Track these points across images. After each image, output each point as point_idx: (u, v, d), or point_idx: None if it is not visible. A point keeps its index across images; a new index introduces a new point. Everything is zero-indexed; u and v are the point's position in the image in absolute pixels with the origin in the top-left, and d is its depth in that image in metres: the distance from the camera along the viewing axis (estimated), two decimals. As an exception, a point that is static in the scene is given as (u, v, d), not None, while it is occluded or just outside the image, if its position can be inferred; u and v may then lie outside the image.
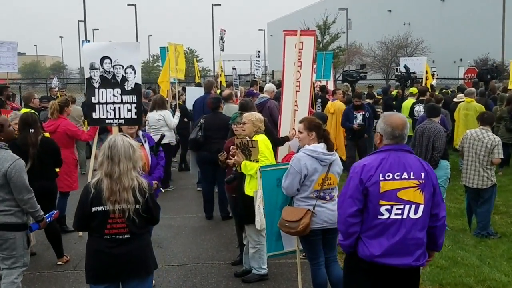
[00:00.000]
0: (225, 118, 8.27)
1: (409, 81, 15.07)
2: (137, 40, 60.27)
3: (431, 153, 8.22)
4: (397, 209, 3.79)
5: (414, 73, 15.62)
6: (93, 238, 4.07)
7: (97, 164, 4.02)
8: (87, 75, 5.18)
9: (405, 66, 15.21)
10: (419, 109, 11.74)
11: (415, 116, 11.67)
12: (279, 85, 10.79)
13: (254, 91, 14.46)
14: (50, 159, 6.60)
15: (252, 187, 5.95)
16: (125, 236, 3.99)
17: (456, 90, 17.29)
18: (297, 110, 7.93)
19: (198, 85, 15.59)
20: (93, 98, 5.21)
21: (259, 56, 16.85)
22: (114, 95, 5.17)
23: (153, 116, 10.67)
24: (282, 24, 74.46)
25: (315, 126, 5.21)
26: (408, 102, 13.29)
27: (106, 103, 5.20)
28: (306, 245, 5.29)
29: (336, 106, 12.19)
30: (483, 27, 46.59)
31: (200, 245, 7.58)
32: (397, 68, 20.72)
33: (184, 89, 15.80)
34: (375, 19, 62.08)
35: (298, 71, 7.87)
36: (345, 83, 15.08)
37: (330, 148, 5.13)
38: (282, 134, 8.04)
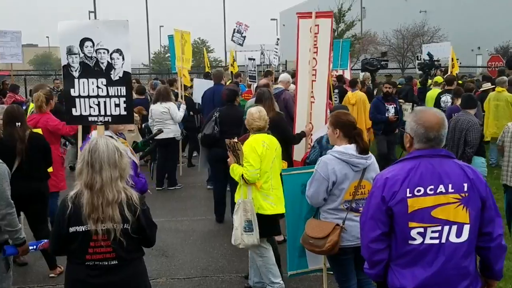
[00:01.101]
0: (241, 112, 7.50)
1: (433, 69, 14.15)
2: (147, 32, 59.69)
3: (463, 148, 7.40)
4: (432, 231, 2.97)
5: (438, 60, 14.69)
6: (72, 265, 3.30)
7: (76, 172, 3.26)
8: (64, 62, 4.24)
9: (429, 54, 14.30)
10: (446, 99, 10.86)
11: (442, 108, 10.77)
12: (294, 75, 9.99)
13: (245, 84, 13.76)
14: (39, 156, 5.89)
15: (239, 195, 5.33)
16: (111, 263, 3.22)
17: (480, 79, 16.34)
18: (313, 102, 7.14)
19: (207, 75, 14.79)
20: (72, 90, 4.18)
21: (277, 44, 16.04)
22: (98, 87, 4.17)
23: (157, 109, 9.94)
24: (295, 13, 72.96)
25: (341, 123, 4.36)
26: (433, 92, 12.42)
27: (89, 97, 4.20)
28: (335, 266, 4.47)
29: (357, 96, 11.33)
30: (502, 15, 45.14)
31: (209, 253, 6.83)
32: (417, 56, 19.77)
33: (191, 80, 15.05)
34: (390, 7, 60.56)
35: (314, 58, 7.08)
36: (365, 72, 14.24)
37: (362, 150, 4.25)
38: (298, 129, 7.24)
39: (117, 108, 4.19)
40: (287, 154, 6.81)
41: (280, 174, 5.15)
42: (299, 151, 7.27)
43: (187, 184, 10.53)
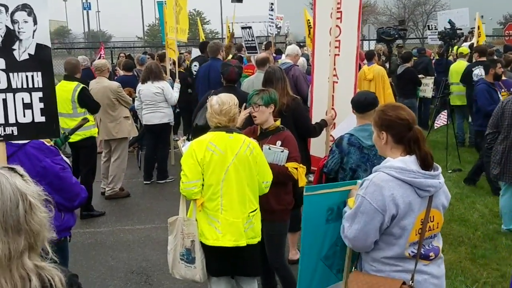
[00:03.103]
0: (244, 96, 6.03)
1: (456, 38, 12.56)
2: (141, 2, 57.29)
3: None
4: None
5: (460, 29, 13.09)
6: None
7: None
8: None
9: (450, 21, 12.65)
10: (479, 72, 9.35)
11: (473, 82, 9.27)
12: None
13: (273, 54, 12.05)
14: None
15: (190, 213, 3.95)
16: None
17: (502, 50, 14.79)
18: (336, 82, 5.62)
19: (203, 46, 13.03)
20: None
21: (272, 10, 14.09)
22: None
23: (148, 89, 8.42)
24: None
25: (390, 123, 2.87)
26: (459, 65, 10.92)
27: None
28: None
29: (375, 71, 9.79)
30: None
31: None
32: (428, 25, 18.09)
33: (189, 53, 13.45)
34: (391, -26, 58.42)
35: (337, 25, 5.52)
36: (381, 43, 12.71)
37: (425, 162, 2.80)
38: (316, 117, 5.75)
39: (28, 112, 2.60)
40: (305, 152, 5.34)
41: (299, 195, 3.62)
42: (317, 145, 5.79)
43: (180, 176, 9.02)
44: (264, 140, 4.33)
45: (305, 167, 4.49)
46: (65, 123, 6.88)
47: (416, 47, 17.44)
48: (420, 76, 11.58)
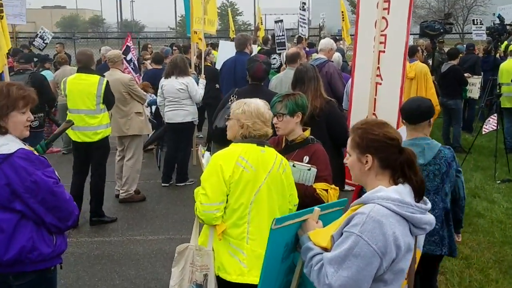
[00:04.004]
0: (270, 95, 5.29)
1: (505, 34, 11.54)
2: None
3: None
4: None
5: (510, 24, 12.03)
6: None
7: None
8: None
9: (499, 16, 11.63)
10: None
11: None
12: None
13: (306, 48, 11.28)
14: None
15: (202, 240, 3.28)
16: None
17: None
18: (380, 83, 4.81)
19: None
20: None
21: (304, 9, 13.19)
22: None
23: (171, 85, 7.74)
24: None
25: (378, 144, 2.32)
26: (509, 64, 9.95)
27: None
28: None
29: (417, 68, 8.83)
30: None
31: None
32: (473, 20, 16.98)
33: (213, 46, 12.71)
34: (432, -33, 56.63)
35: (383, 18, 4.71)
36: (423, 38, 11.78)
37: (421, 194, 2.31)
38: (354, 120, 4.94)
39: None
40: (339, 163, 4.58)
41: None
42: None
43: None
44: (289, 155, 3.61)
45: (337, 188, 3.73)
46: (84, 121, 6.30)
47: (459, 42, 16.37)
48: (466, 74, 10.60)
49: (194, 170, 8.68)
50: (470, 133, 11.38)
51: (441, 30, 10.96)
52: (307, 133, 3.77)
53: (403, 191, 2.26)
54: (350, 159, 2.40)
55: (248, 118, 3.25)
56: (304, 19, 13.02)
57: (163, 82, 7.89)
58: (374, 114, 4.82)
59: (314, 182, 3.55)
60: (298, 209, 3.32)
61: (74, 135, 6.33)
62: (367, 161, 2.32)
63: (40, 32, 14.59)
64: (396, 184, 2.30)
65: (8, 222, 2.95)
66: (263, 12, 16.36)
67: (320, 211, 2.47)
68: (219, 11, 58.58)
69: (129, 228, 6.39)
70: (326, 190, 3.55)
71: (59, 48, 14.81)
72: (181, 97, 7.78)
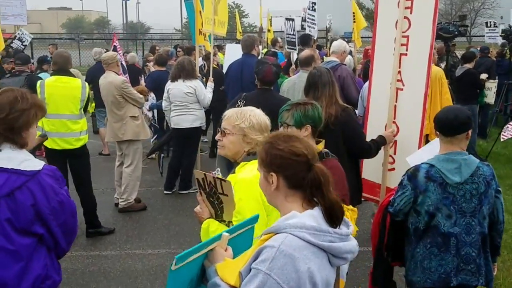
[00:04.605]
0: (281, 101, 4.90)
1: (520, 38, 11.13)
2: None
3: None
4: None
5: (527, 27, 11.62)
6: None
7: None
8: None
9: (516, 18, 11.25)
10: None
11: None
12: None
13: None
14: None
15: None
16: None
17: None
18: (401, 89, 4.41)
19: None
20: None
21: (313, 10, 12.64)
22: None
23: (178, 88, 7.36)
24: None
25: (282, 161, 2.01)
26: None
27: None
28: None
29: (432, 72, 8.42)
30: None
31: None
32: (487, 23, 16.57)
33: (220, 47, 12.30)
34: (439, -30, 56.33)
35: (405, 17, 4.31)
36: (437, 40, 11.35)
37: (334, 218, 1.96)
38: (372, 132, 4.56)
39: None
40: (354, 177, 4.18)
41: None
42: (371, 166, 4.62)
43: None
44: None
45: (355, 209, 3.32)
46: (67, 127, 5.88)
47: (470, 46, 15.94)
48: (483, 76, 10.14)
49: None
50: (485, 139, 10.95)
51: (456, 33, 10.57)
52: (321, 146, 3.36)
53: (319, 216, 1.94)
54: (260, 177, 2.09)
55: (258, 132, 2.84)
56: (314, 20, 12.46)
57: (170, 85, 7.50)
58: (394, 122, 4.43)
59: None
60: None
61: (53, 142, 5.83)
62: (272, 181, 2.01)
63: (18, 33, 14.12)
64: (311, 207, 1.98)
65: (27, 248, 2.62)
66: (272, 15, 15.93)
67: (229, 236, 2.07)
68: (225, 13, 58.41)
69: (128, 241, 5.99)
70: (343, 213, 3.15)
71: (52, 49, 14.32)
72: (189, 101, 7.39)
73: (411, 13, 4.24)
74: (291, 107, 3.28)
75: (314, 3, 12.03)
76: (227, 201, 2.56)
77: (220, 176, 2.73)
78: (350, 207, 3.26)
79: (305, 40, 11.14)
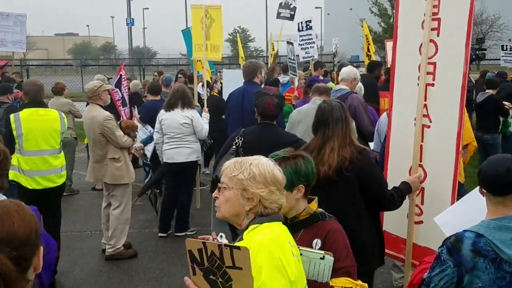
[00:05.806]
0: (285, 138, 4.27)
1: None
2: (185, 18, 56.52)
3: None
4: None
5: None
6: None
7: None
8: None
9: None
10: None
11: None
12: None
13: (320, 77, 10.25)
14: None
15: None
16: None
17: None
18: (428, 126, 3.69)
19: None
20: None
21: (309, 28, 11.64)
22: None
23: (174, 119, 6.72)
24: (342, 2, 69.00)
25: None
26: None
27: None
28: None
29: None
30: None
31: None
32: (502, 46, 15.94)
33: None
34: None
35: (431, 40, 3.62)
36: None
37: None
38: (394, 178, 3.83)
39: None
40: (374, 231, 3.46)
41: None
42: (394, 217, 3.88)
43: (205, 226, 7.14)
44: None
45: (366, 285, 2.57)
46: (49, 163, 5.32)
47: (486, 70, 15.28)
48: (505, 104, 9.40)
49: (198, 216, 7.59)
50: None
51: (473, 57, 9.93)
52: (314, 206, 2.65)
53: None
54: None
55: (260, 185, 2.14)
56: (311, 38, 11.50)
57: (163, 115, 6.84)
58: (420, 165, 3.70)
59: (331, 277, 2.44)
60: None
61: (33, 182, 5.25)
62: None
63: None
64: None
65: None
66: (275, 39, 15.31)
67: None
68: (230, 37, 58.13)
69: (113, 298, 5.26)
70: (350, 289, 2.44)
71: (16, 78, 12.93)
72: (185, 132, 6.73)
73: (438, 35, 3.55)
74: (281, 161, 2.57)
75: (309, 21, 11.21)
76: (239, 277, 1.83)
77: (224, 242, 2.02)
78: (359, 282, 2.53)
79: (317, 67, 10.61)
